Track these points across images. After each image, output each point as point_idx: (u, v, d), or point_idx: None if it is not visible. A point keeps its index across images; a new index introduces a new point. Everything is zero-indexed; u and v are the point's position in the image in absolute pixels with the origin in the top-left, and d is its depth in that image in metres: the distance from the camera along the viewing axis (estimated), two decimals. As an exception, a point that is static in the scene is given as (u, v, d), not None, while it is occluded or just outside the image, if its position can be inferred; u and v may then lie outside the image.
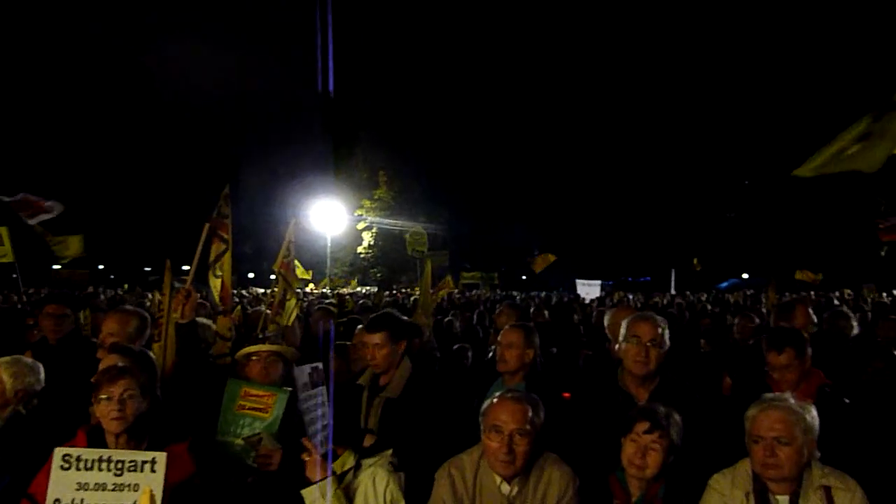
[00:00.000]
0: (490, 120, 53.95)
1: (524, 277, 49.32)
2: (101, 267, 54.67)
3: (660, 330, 3.60)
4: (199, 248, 4.34)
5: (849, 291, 23.91)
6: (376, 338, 4.02)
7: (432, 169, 51.07)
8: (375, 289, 40.22)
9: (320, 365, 3.62)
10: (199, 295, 4.47)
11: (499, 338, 4.41)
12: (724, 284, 43.36)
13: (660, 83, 52.83)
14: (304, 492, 3.12)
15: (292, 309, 5.13)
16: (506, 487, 2.97)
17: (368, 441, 3.50)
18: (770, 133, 45.73)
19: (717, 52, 49.81)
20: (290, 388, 3.69)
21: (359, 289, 39.15)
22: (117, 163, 55.31)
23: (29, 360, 4.19)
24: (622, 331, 3.69)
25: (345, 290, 32.96)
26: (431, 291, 11.80)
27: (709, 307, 16.04)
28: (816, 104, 41.70)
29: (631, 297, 25.69)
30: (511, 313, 6.19)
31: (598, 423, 3.33)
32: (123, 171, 54.95)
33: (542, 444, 3.02)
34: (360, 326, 5.28)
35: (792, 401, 2.84)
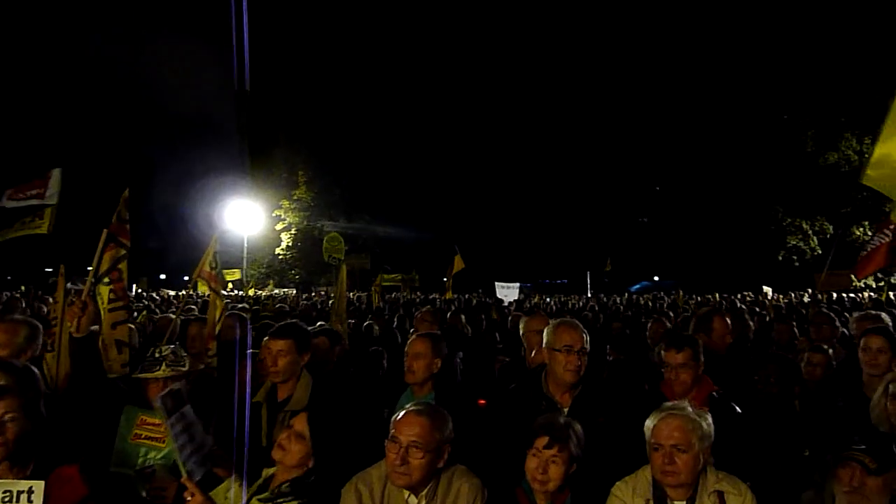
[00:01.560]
0: (409, 122, 53.88)
1: (445, 279, 49.60)
2: (-7, 268, 51.21)
3: (585, 336, 3.68)
4: (98, 255, 4.10)
5: (749, 294, 25.29)
6: (281, 344, 3.91)
7: (353, 170, 50.55)
8: (293, 291, 39.48)
9: (177, 386, 3.43)
10: (95, 306, 4.22)
11: (406, 348, 4.34)
12: (636, 287, 45.01)
13: (573, 90, 54.21)
14: None
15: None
16: (413, 501, 2.94)
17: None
18: (679, 142, 47.75)
19: (629, 58, 51.55)
20: None
21: (276, 291, 38.31)
22: (21, 158, 51.94)
23: None
24: (548, 338, 3.72)
25: (262, 293, 32.15)
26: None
27: (621, 309, 16.59)
28: (726, 113, 43.89)
29: (549, 299, 26.29)
30: (430, 319, 6.16)
31: (517, 431, 3.32)
32: (28, 167, 51.72)
33: (452, 457, 3.01)
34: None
35: (689, 409, 2.95)
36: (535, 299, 25.57)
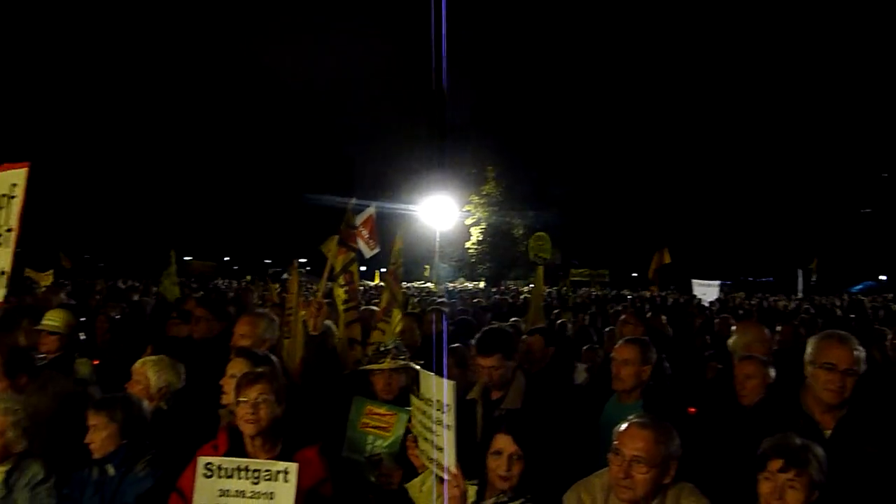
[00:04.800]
0: (601, 114, 52.68)
1: (635, 275, 47.87)
2: (226, 259, 58.34)
3: (856, 353, 3.25)
4: (330, 259, 4.49)
5: None
6: (491, 360, 3.93)
7: (541, 164, 50.52)
8: (482, 284, 40.35)
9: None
10: (327, 304, 4.60)
11: (613, 353, 4.23)
12: (859, 287, 40.06)
13: (786, 66, 49.62)
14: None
15: (397, 322, 5.18)
16: (637, 515, 2.84)
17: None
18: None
19: (847, 35, 46.11)
20: (409, 409, 3.71)
21: (466, 284, 39.43)
22: (239, 162, 58.68)
23: (171, 359, 4.47)
24: (809, 350, 3.37)
25: (452, 286, 33.27)
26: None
27: (838, 314, 14.85)
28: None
29: (751, 300, 24.29)
30: (635, 322, 5.95)
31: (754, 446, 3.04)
32: (245, 170, 58.28)
33: (678, 474, 2.87)
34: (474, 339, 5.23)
35: None
36: (737, 299, 23.74)
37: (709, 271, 33.46)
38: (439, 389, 3.05)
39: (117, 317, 7.98)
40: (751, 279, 47.07)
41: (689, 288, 28.76)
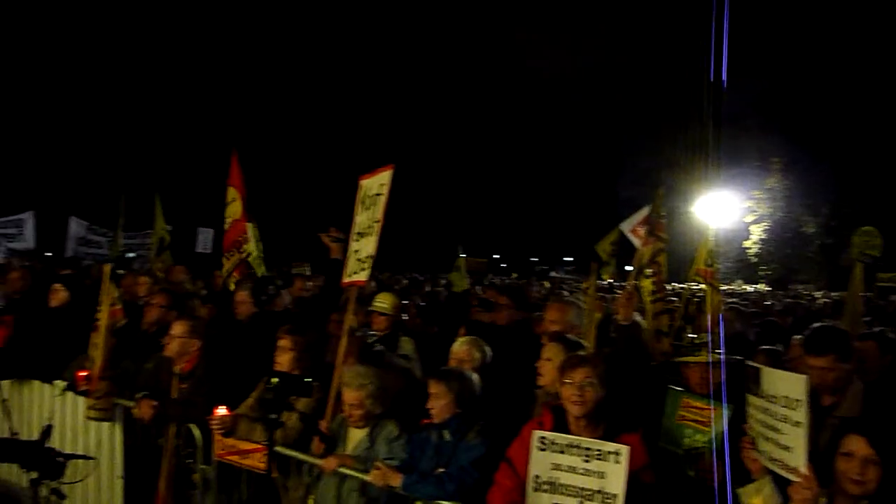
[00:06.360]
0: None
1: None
2: (495, 256, 61.21)
3: None
4: (640, 248, 4.50)
5: None
6: (823, 361, 3.57)
7: (836, 154, 44.15)
8: (764, 287, 36.71)
9: None
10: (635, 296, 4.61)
11: None
12: None
13: None
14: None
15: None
16: None
17: None
18: None
19: None
20: (728, 405, 3.55)
21: (745, 287, 36.35)
22: (507, 161, 60.72)
23: (481, 340, 4.87)
24: None
25: (729, 288, 30.83)
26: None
27: None
28: None
29: None
30: None
31: None
32: (512, 169, 60.16)
33: None
34: (795, 338, 4.84)
35: None
36: None
37: None
38: (787, 385, 2.89)
39: (422, 303, 8.90)
40: None
41: None
